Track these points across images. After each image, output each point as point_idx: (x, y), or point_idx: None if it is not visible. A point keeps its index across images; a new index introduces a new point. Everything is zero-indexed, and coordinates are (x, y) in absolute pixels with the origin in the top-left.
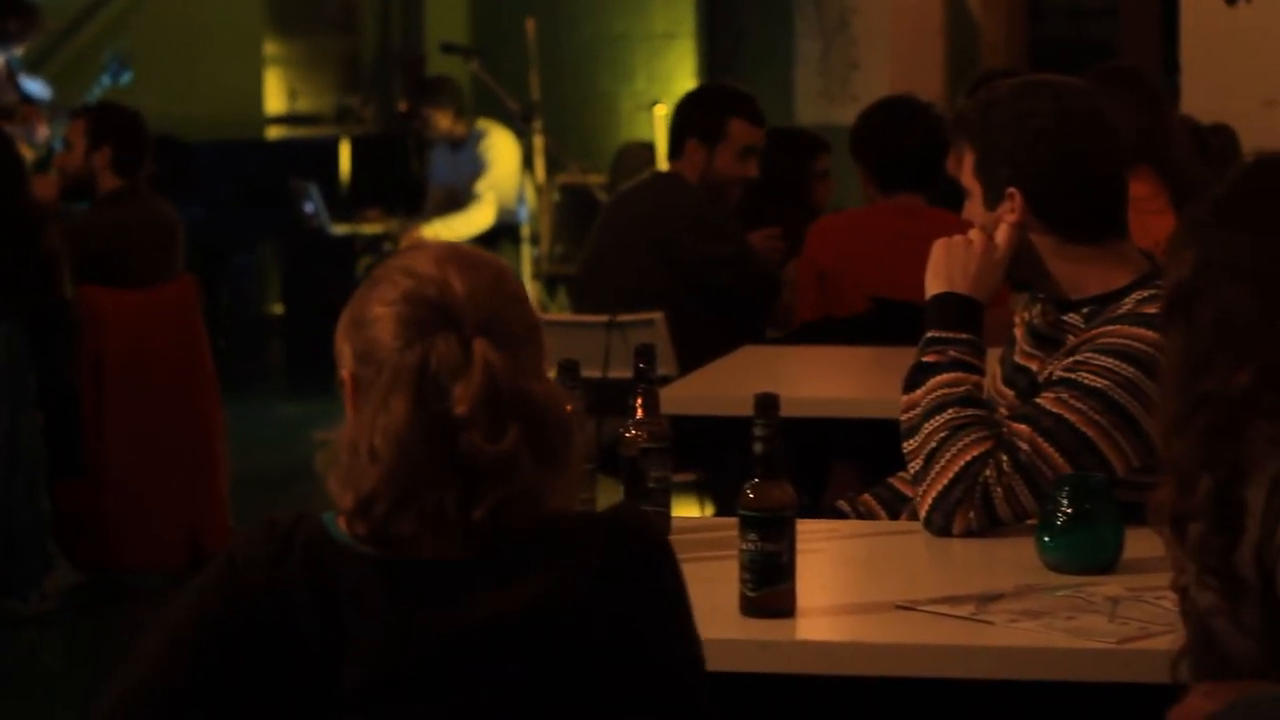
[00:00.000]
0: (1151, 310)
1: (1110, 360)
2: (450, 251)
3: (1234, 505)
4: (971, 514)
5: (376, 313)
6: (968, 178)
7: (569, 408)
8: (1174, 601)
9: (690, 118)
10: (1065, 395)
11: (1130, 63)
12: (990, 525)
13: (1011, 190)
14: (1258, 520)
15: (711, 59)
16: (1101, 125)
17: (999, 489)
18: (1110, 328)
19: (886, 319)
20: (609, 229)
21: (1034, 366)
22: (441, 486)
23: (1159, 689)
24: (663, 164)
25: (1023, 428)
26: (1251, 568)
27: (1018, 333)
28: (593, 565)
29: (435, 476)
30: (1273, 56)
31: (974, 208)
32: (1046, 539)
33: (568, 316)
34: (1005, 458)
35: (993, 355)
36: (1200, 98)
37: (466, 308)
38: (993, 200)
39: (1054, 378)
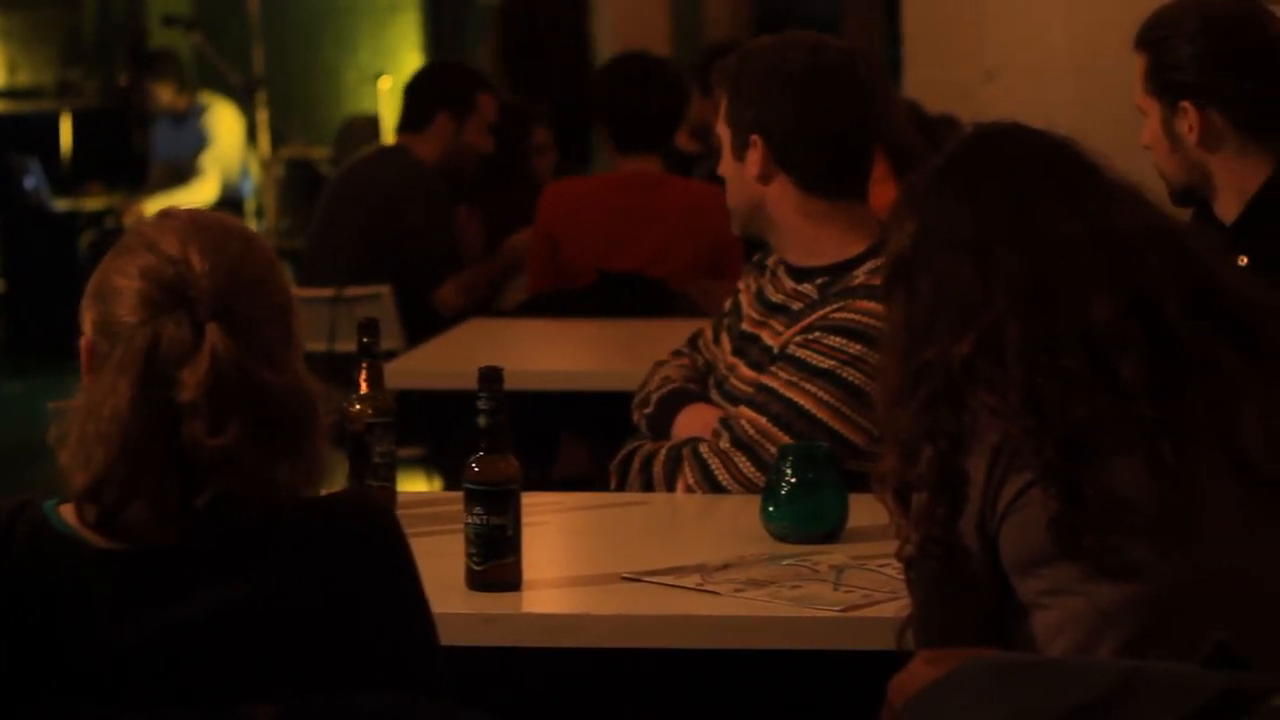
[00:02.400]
0: (879, 282)
1: (839, 339)
2: (196, 226)
3: (956, 474)
4: (692, 479)
5: (117, 285)
6: (721, 126)
7: (313, 392)
8: (898, 569)
9: (441, 91)
10: (795, 377)
11: (851, 35)
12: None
13: (754, 137)
14: (980, 489)
15: (436, 32)
16: (852, 84)
17: (717, 461)
18: (841, 303)
19: (613, 291)
20: (335, 202)
21: (764, 335)
22: (164, 473)
23: (883, 656)
24: (389, 137)
25: (753, 415)
26: (974, 537)
27: (743, 299)
28: (322, 548)
29: (158, 463)
30: (993, 28)
31: (725, 158)
32: (771, 508)
33: (293, 291)
34: (725, 435)
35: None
36: (922, 69)
37: (203, 289)
38: (739, 148)
39: (787, 353)
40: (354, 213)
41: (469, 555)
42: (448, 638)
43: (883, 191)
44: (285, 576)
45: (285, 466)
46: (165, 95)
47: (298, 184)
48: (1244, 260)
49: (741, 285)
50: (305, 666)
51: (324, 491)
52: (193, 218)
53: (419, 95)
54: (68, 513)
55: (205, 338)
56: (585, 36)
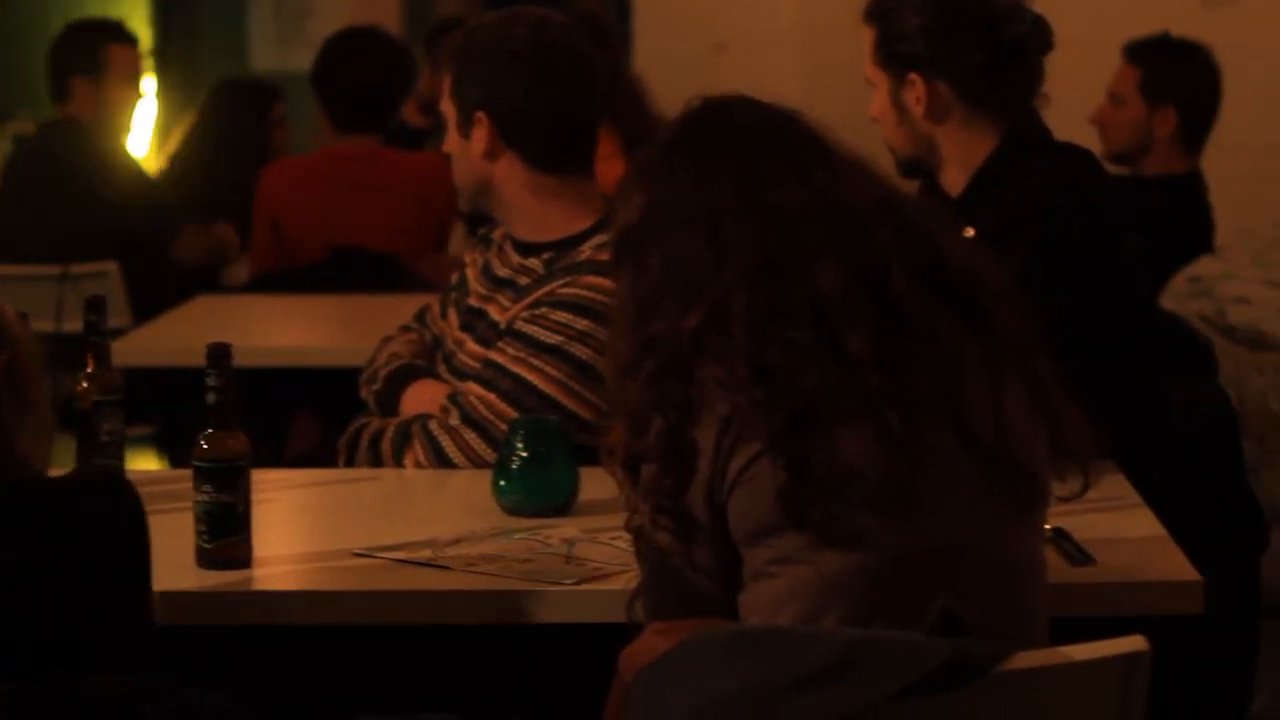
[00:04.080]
0: (605, 257)
1: (566, 315)
2: None
3: (685, 445)
4: (422, 456)
5: None
6: (445, 103)
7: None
8: (629, 542)
9: (66, 57)
10: (523, 353)
11: (585, 8)
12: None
13: (479, 114)
14: (709, 459)
15: (164, 6)
16: (576, 61)
17: (447, 439)
18: (567, 278)
19: (345, 267)
20: (31, 178)
21: (491, 310)
22: None
23: (615, 628)
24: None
25: (482, 391)
26: (703, 507)
27: (470, 273)
28: (67, 525)
29: None
30: (723, 1)
31: (450, 135)
32: (502, 482)
33: (18, 268)
34: (455, 411)
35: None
36: (652, 41)
37: None
38: (465, 125)
39: (514, 328)
40: (61, 190)
41: (199, 533)
42: (178, 616)
43: (610, 168)
44: (28, 554)
45: (24, 420)
46: None
47: None
48: (970, 232)
49: (468, 259)
50: (41, 644)
51: (59, 471)
52: None
53: (51, 67)
54: None
55: None
56: None
